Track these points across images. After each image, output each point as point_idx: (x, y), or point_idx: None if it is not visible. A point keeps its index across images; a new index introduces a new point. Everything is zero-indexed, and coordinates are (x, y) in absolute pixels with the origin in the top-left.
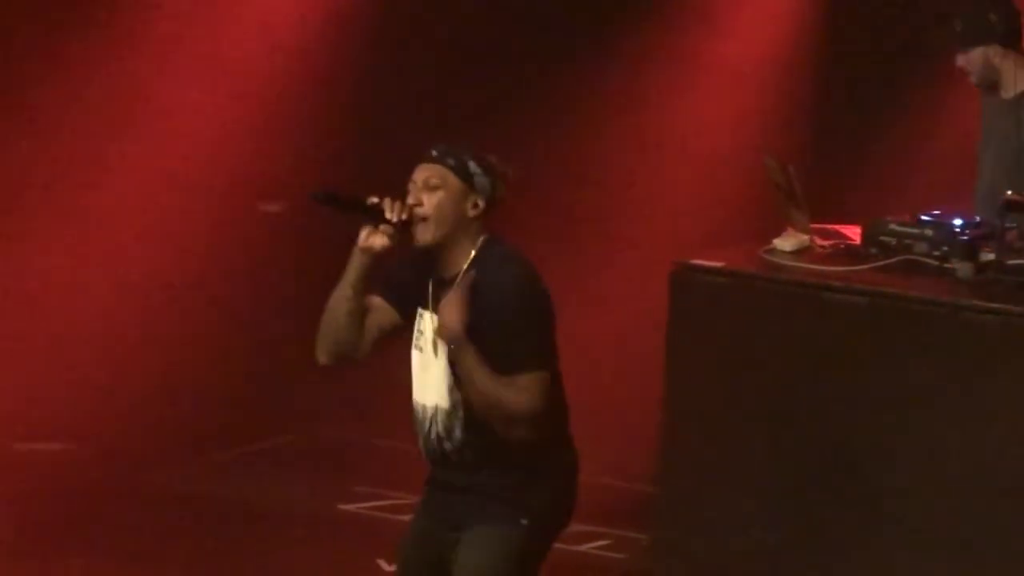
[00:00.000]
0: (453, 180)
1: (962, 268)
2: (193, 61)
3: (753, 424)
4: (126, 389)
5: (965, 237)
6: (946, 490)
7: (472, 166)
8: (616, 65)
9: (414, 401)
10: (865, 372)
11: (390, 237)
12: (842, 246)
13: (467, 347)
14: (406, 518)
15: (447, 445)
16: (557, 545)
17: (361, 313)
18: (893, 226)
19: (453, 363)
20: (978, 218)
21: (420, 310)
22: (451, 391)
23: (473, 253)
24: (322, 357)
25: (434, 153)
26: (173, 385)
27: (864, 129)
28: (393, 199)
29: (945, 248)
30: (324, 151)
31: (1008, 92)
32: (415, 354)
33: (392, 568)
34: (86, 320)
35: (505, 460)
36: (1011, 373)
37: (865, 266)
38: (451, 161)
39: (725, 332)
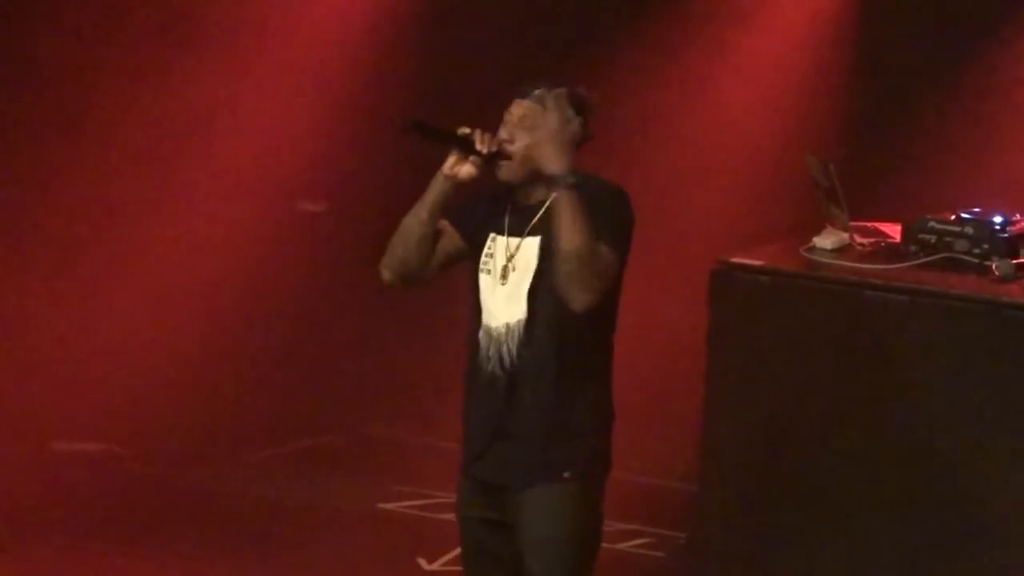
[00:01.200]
0: (550, 120)
1: (1002, 266)
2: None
3: (795, 423)
4: (165, 390)
5: (1005, 235)
6: (992, 488)
7: (569, 112)
8: (653, 54)
9: (483, 326)
10: (906, 370)
11: (476, 168)
12: (882, 244)
13: (574, 188)
14: (447, 517)
15: (506, 365)
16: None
17: (433, 237)
18: (933, 224)
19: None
20: (1019, 215)
21: (493, 235)
22: (524, 304)
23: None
24: (387, 274)
25: (535, 92)
26: (212, 385)
27: (901, 124)
28: (483, 131)
29: (985, 246)
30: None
31: None
32: (483, 278)
33: (432, 567)
34: (125, 323)
35: (556, 386)
36: None
37: (905, 264)
38: (550, 103)
39: (766, 331)
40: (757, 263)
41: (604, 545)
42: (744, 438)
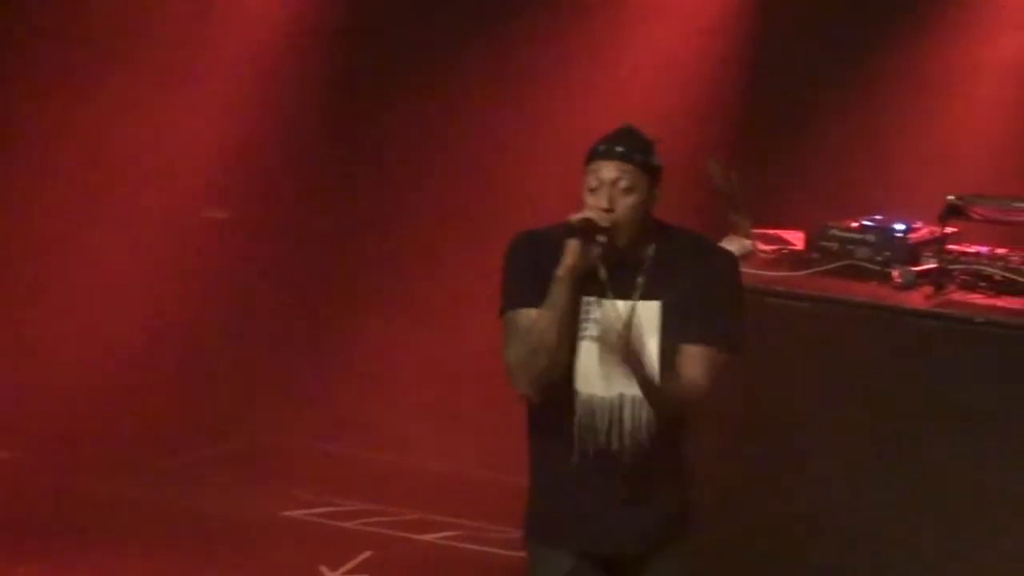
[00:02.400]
0: (642, 180)
1: (904, 273)
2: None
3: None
4: (72, 398)
5: (907, 242)
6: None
7: (654, 159)
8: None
9: (580, 397)
10: (807, 376)
11: (601, 245)
12: (785, 251)
13: (640, 362)
14: (349, 525)
15: (632, 439)
16: (499, 551)
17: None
18: (835, 231)
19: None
20: (920, 223)
21: (588, 298)
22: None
23: (653, 240)
24: (536, 393)
25: (620, 149)
26: (119, 393)
27: (803, 130)
28: (586, 208)
29: (887, 253)
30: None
31: None
32: (586, 346)
33: (335, 575)
34: (29, 333)
35: (676, 458)
36: (953, 376)
37: (808, 271)
38: (639, 157)
39: None
40: None
41: (505, 552)
42: None
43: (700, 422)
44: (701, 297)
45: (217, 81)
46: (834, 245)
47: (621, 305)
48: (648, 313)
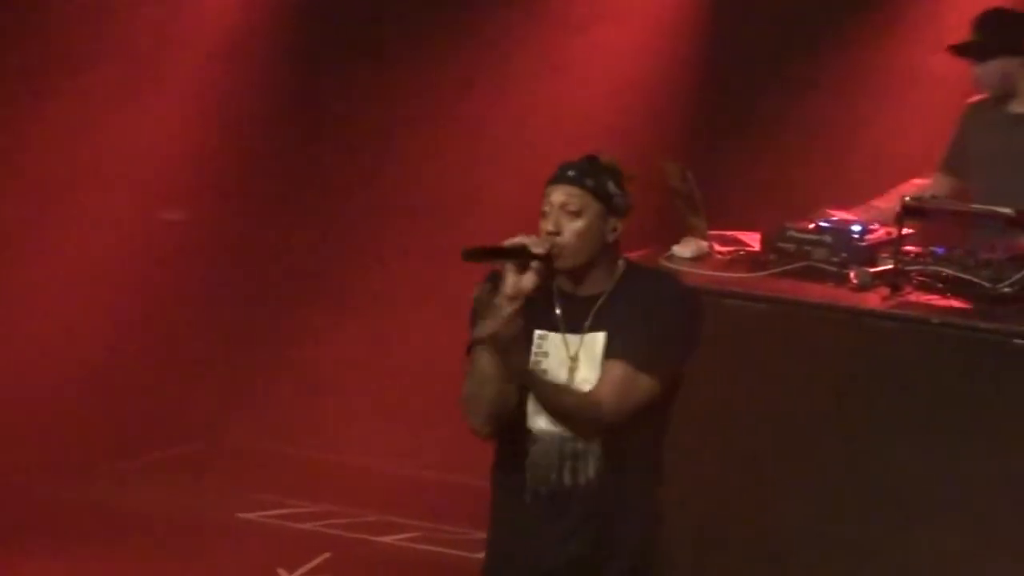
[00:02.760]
0: (592, 205)
1: (861, 274)
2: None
3: None
4: (29, 399)
5: (863, 243)
6: (847, 487)
7: (611, 187)
8: (487, 58)
9: (532, 434)
10: (766, 378)
11: (538, 272)
12: (741, 253)
13: (525, 367)
14: (306, 526)
15: (581, 476)
16: (457, 552)
17: None
18: (792, 232)
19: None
20: (877, 224)
21: (541, 332)
22: None
23: (616, 276)
24: (486, 429)
25: (571, 173)
26: (75, 394)
27: (759, 130)
28: (526, 233)
29: (844, 254)
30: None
31: (1019, 107)
32: None
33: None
34: None
35: (636, 497)
36: (912, 377)
37: (765, 273)
38: (590, 183)
39: None
40: None
41: (464, 554)
42: None
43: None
44: (639, 322)
45: (173, 85)
46: (791, 246)
47: (571, 339)
48: (593, 345)
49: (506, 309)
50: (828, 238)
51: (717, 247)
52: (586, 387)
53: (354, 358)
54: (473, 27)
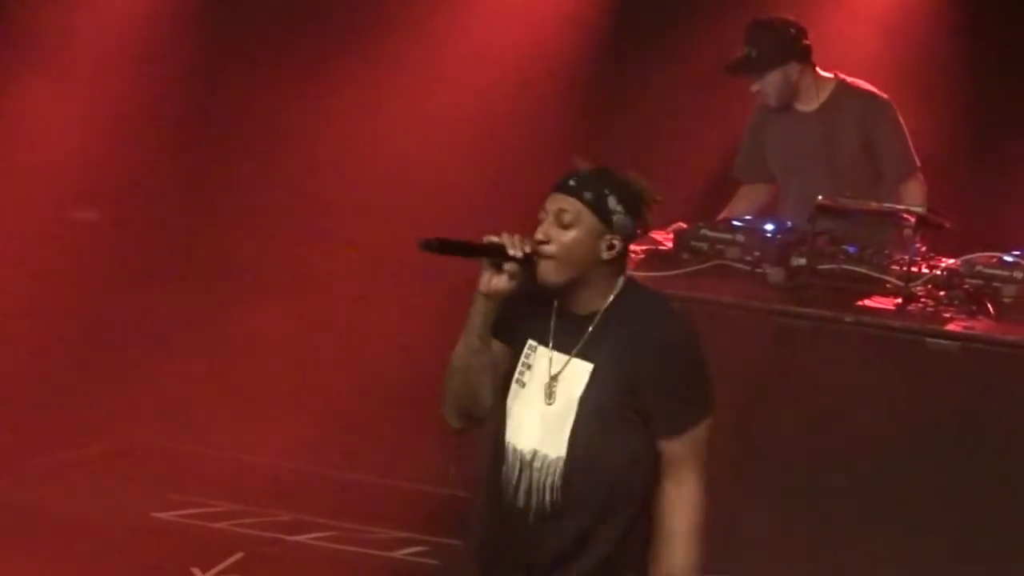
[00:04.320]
0: (588, 217)
1: (773, 273)
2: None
3: None
4: None
5: (776, 242)
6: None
7: (611, 203)
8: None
9: (506, 444)
10: None
11: (513, 276)
12: (655, 251)
13: None
14: (221, 526)
15: (536, 502)
16: (370, 551)
17: (493, 365)
18: (705, 231)
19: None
20: (789, 223)
21: (533, 343)
22: (566, 436)
23: (612, 296)
24: (456, 421)
25: (571, 183)
26: None
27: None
28: (512, 234)
29: (757, 253)
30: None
31: (808, 104)
32: (515, 389)
33: (206, 575)
34: None
35: (596, 536)
36: (823, 374)
37: (678, 271)
38: (588, 195)
39: None
40: None
41: (379, 553)
42: None
43: None
44: (656, 381)
45: (84, 81)
46: (704, 245)
47: (556, 358)
48: (578, 373)
49: (479, 302)
50: (741, 237)
51: (630, 245)
52: (559, 413)
53: (266, 358)
54: (373, 17)
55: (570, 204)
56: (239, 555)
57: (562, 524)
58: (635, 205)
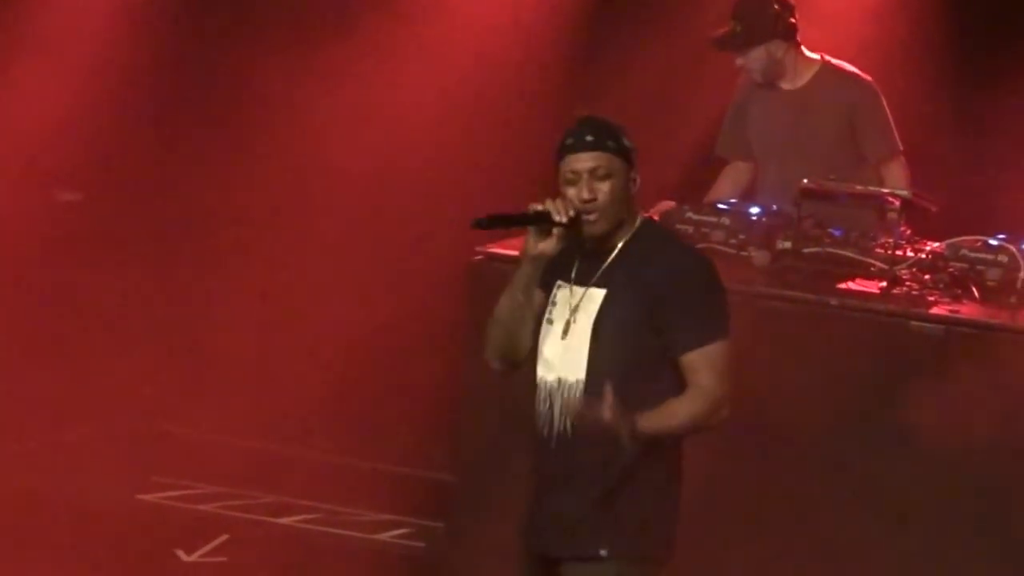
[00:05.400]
0: (618, 164)
1: (758, 256)
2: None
3: None
4: None
5: (762, 225)
6: (743, 471)
7: (625, 142)
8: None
9: (538, 377)
10: None
11: (559, 238)
12: None
13: (640, 428)
14: (205, 508)
15: (558, 426)
16: (355, 534)
17: (531, 316)
18: (690, 214)
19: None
20: (775, 206)
21: (561, 283)
22: (583, 363)
23: (632, 232)
24: (497, 364)
25: (590, 138)
26: None
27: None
28: (553, 198)
29: (742, 236)
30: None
31: (792, 84)
32: (545, 327)
33: (190, 558)
34: None
35: (606, 457)
36: (808, 358)
37: None
38: (611, 143)
39: None
40: (514, 253)
41: (363, 536)
42: (497, 427)
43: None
44: (669, 300)
45: (54, 62)
46: (689, 228)
47: (576, 291)
48: (590, 302)
49: (526, 263)
50: (726, 220)
51: None
52: (578, 339)
53: (251, 339)
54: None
55: (599, 158)
56: (224, 537)
57: (582, 443)
58: (626, 136)
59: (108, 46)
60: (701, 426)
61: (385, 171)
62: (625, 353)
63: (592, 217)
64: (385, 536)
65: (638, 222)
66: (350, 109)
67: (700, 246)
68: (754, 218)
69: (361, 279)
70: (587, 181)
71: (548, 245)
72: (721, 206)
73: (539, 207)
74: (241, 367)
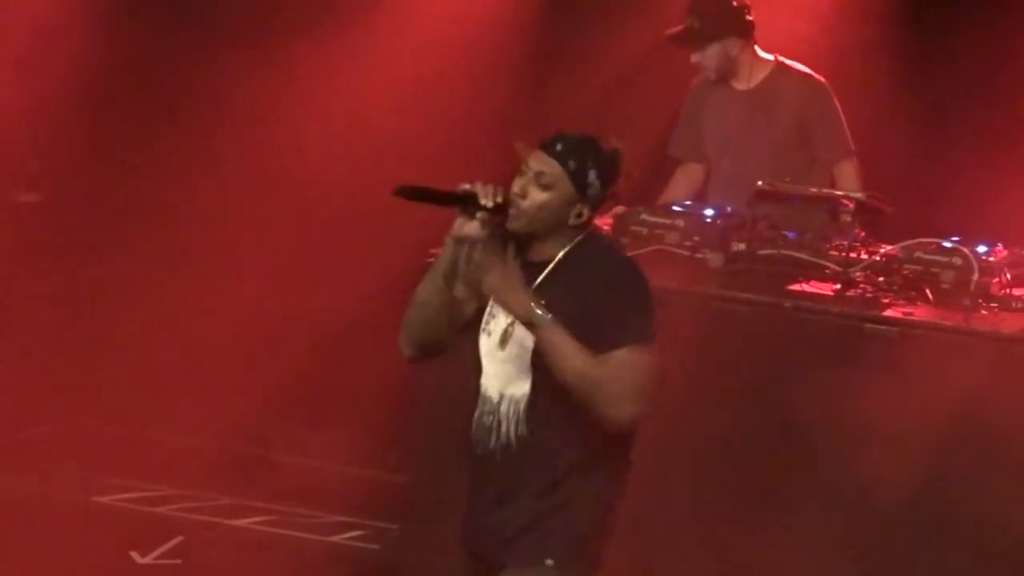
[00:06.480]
0: (567, 187)
1: (713, 257)
2: None
3: None
4: None
5: (716, 227)
6: (694, 477)
7: (591, 176)
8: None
9: (479, 392)
10: None
11: (484, 223)
12: None
13: (551, 323)
14: (161, 510)
15: (502, 439)
16: (309, 536)
17: (451, 303)
18: (645, 216)
19: (536, 344)
20: (729, 208)
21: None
22: (527, 377)
23: (569, 246)
24: (408, 351)
25: (558, 147)
26: None
27: (586, 101)
28: (485, 183)
29: (696, 238)
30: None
31: (746, 83)
32: (483, 339)
33: (145, 560)
34: None
35: (552, 470)
36: (762, 359)
37: None
38: (571, 164)
39: None
40: None
41: (318, 538)
42: (446, 427)
43: None
44: (590, 299)
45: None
46: (643, 230)
47: None
48: None
49: (449, 244)
50: (680, 222)
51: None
52: (518, 354)
53: (205, 340)
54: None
55: (552, 168)
56: (178, 539)
57: (528, 457)
58: (612, 179)
59: (65, 43)
60: (588, 392)
61: (344, 168)
62: None
63: (514, 212)
64: (339, 538)
65: (580, 236)
66: (312, 105)
67: (655, 247)
68: (708, 220)
69: (317, 281)
70: (529, 179)
71: (472, 228)
72: (675, 208)
73: (468, 187)
74: (196, 368)
